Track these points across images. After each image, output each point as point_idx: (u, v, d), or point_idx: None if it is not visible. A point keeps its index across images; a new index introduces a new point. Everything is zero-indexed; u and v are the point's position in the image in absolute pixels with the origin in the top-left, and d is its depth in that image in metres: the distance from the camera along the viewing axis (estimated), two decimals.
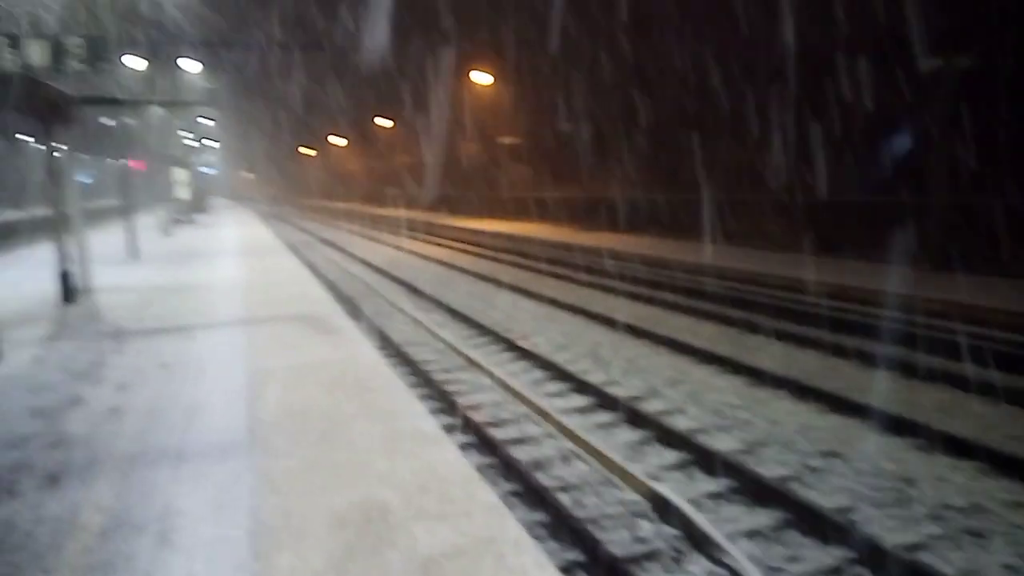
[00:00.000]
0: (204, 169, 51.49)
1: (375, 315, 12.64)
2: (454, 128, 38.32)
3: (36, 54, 9.79)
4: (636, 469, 5.60)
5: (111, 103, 11.14)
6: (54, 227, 9.77)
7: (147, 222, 25.12)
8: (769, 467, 5.94)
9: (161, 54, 31.79)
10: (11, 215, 25.60)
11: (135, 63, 29.54)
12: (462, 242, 26.63)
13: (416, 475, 3.80)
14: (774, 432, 6.70)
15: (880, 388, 7.60)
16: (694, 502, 5.15)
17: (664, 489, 5.20)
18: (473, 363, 9.26)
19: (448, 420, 7.17)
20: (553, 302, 13.23)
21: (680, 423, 7.05)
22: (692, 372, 8.76)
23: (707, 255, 15.30)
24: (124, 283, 11.62)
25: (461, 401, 7.69)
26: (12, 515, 3.52)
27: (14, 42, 9.74)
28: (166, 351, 6.89)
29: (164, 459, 4.18)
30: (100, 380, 5.90)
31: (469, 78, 32.68)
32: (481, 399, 7.86)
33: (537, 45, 26.73)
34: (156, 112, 38.64)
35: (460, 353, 9.77)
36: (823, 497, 5.31)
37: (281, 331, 7.71)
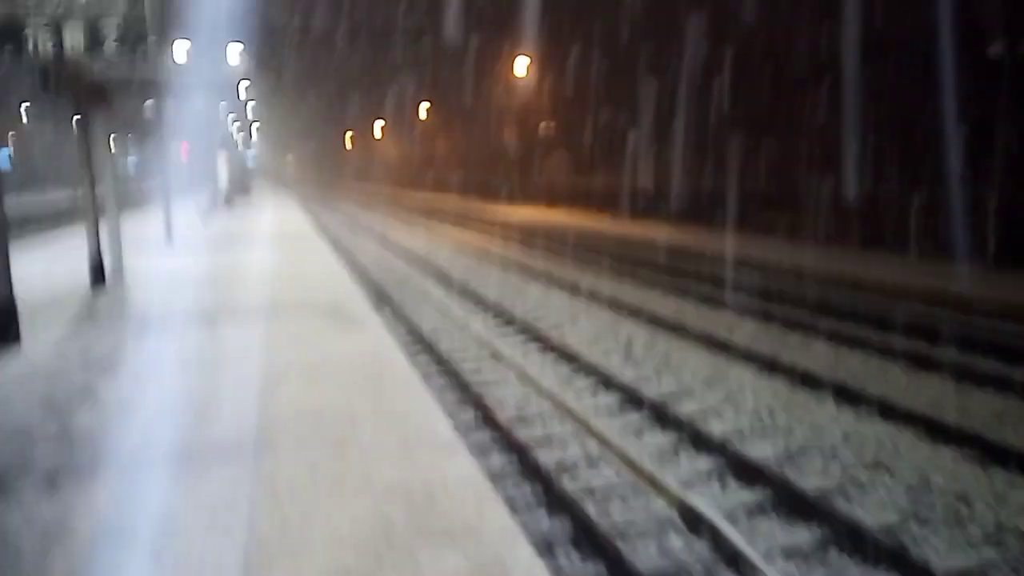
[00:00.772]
0: (247, 154, 51.96)
1: (403, 303, 12.47)
2: (492, 114, 38.00)
3: (73, 38, 9.76)
4: None
5: (143, 86, 11.08)
6: (85, 212, 9.75)
7: (190, 205, 25.37)
8: None
9: (205, 39, 32.02)
10: (61, 196, 26.04)
11: (179, 48, 29.80)
12: (500, 227, 26.37)
13: (426, 486, 3.56)
14: None
15: None
16: None
17: None
18: (499, 356, 9.03)
19: (467, 417, 6.95)
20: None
21: None
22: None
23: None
24: (156, 268, 11.61)
25: (483, 396, 7.46)
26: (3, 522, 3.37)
27: (53, 27, 9.72)
28: (187, 340, 6.77)
29: (167, 460, 4.01)
30: (116, 370, 5.78)
31: (509, 64, 32.31)
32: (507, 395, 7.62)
33: (579, 29, 26.25)
34: (199, 97, 38.98)
35: (487, 345, 9.55)
36: None
37: (305, 322, 7.54)
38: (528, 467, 5.84)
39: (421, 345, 9.74)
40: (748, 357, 8.75)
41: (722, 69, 19.73)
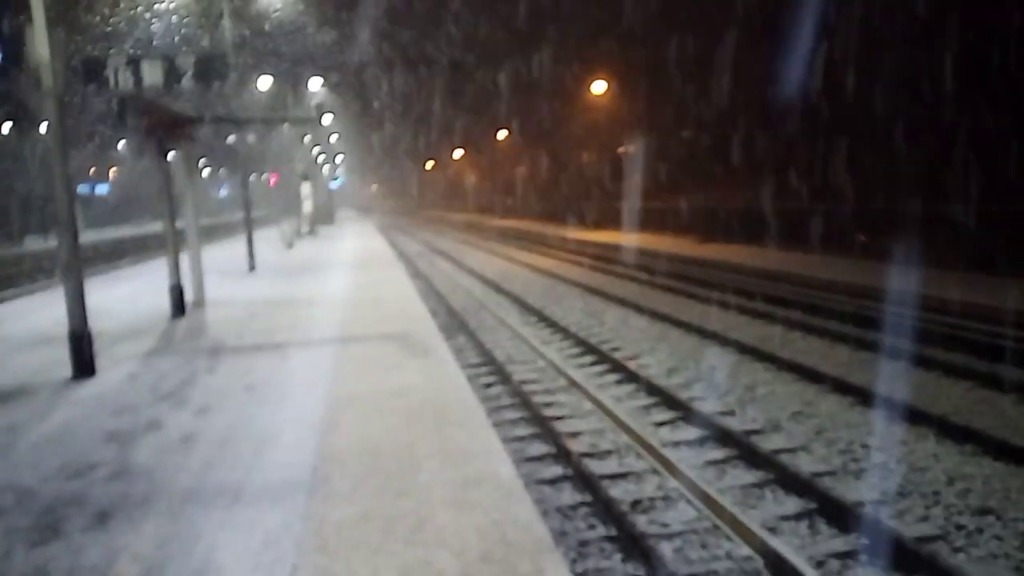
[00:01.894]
0: (331, 183, 53.50)
1: (478, 329, 12.28)
2: (570, 138, 37.87)
3: (152, 74, 10.06)
4: None
5: (219, 121, 11.39)
6: (167, 242, 10.00)
7: (275, 234, 26.09)
8: None
9: (288, 73, 33.22)
10: (156, 227, 27.24)
11: (264, 82, 30.98)
12: (579, 254, 26.03)
13: (481, 536, 3.27)
14: None
15: None
16: None
17: None
18: (573, 385, 8.68)
19: (534, 451, 6.65)
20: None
21: None
22: None
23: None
24: (235, 296, 11.81)
25: (554, 430, 7.13)
26: (48, 561, 3.26)
27: (133, 64, 10.05)
28: (256, 371, 6.72)
29: (220, 499, 3.86)
30: (183, 402, 5.74)
31: (587, 86, 32.16)
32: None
33: (657, 48, 25.87)
34: (284, 129, 40.49)
35: (562, 374, 9.22)
36: None
37: (374, 351, 7.41)
38: (598, 508, 5.49)
39: (494, 375, 9.50)
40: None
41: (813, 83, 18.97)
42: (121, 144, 47.97)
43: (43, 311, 10.45)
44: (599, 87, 31.26)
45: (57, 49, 6.48)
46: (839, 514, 5.23)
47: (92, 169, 50.47)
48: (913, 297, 11.33)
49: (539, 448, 6.90)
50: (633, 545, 4.96)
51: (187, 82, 9.31)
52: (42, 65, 6.39)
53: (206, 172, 72.89)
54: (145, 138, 8.97)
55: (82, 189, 47.66)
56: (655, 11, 25.50)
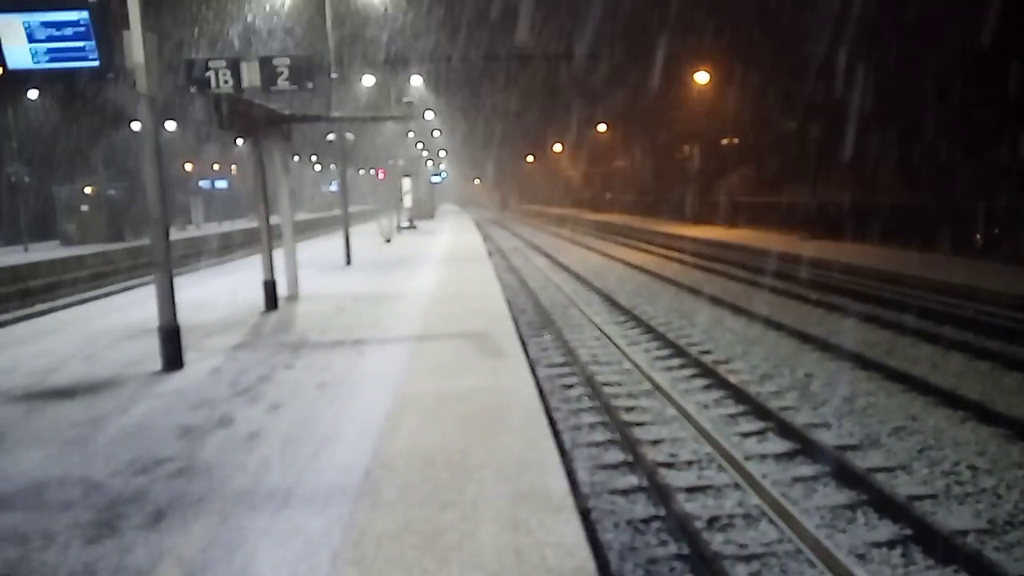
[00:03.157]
0: (433, 177, 54.37)
1: (564, 327, 12.08)
2: (671, 130, 36.93)
3: (250, 76, 10.37)
4: None
5: (314, 120, 11.64)
6: (261, 237, 10.29)
7: (375, 228, 26.69)
8: None
9: (389, 71, 33.91)
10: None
11: (367, 80, 31.71)
12: (677, 250, 25.34)
13: (520, 559, 3.09)
14: None
15: None
16: None
17: None
18: (657, 390, 8.36)
19: (609, 460, 6.41)
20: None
21: None
22: None
23: None
24: (326, 291, 12.06)
25: (632, 436, 6.85)
26: (97, 560, 3.31)
27: (233, 66, 10.40)
28: (332, 367, 6.77)
29: (270, 502, 3.85)
30: (258, 398, 5.83)
31: (688, 78, 31.23)
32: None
33: (760, 36, 24.79)
34: (389, 126, 41.39)
35: (647, 378, 8.91)
36: None
37: (448, 350, 7.34)
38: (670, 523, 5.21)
39: (577, 376, 9.29)
40: None
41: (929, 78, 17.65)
42: (240, 141, 50.41)
43: (150, 303, 10.98)
44: (702, 78, 30.28)
45: (152, 50, 6.66)
46: None
47: (216, 166, 53.37)
48: None
49: (615, 456, 6.67)
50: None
51: (286, 83, 9.59)
52: (137, 67, 6.60)
53: (317, 168, 75.76)
54: (243, 137, 9.23)
55: (204, 184, 50.45)
56: None
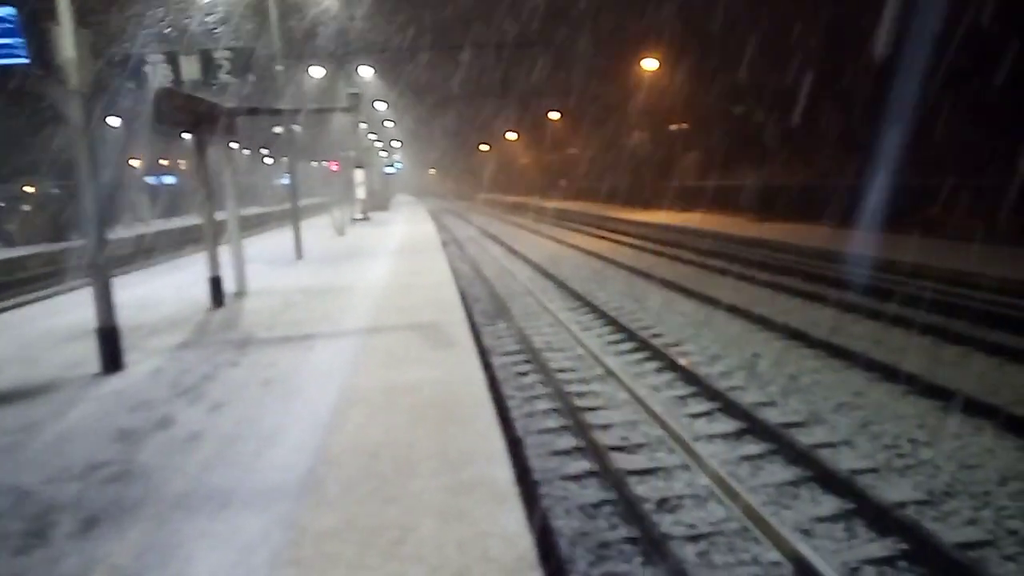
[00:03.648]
0: (387, 169, 53.86)
1: (520, 316, 12.08)
2: (622, 117, 37.13)
3: (189, 70, 10.12)
4: None
5: (257, 112, 11.39)
6: (205, 233, 10.06)
7: (328, 221, 26.32)
8: None
9: (339, 62, 33.40)
10: (217, 217, 27.80)
11: (316, 72, 31.17)
12: (628, 235, 25.52)
13: (461, 550, 3.07)
14: None
15: None
16: None
17: None
18: (609, 374, 8.41)
19: (562, 446, 6.43)
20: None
21: None
22: None
23: None
24: (275, 286, 11.85)
25: (583, 420, 6.88)
26: (23, 573, 3.20)
27: (171, 60, 10.13)
28: (278, 364, 6.65)
29: (209, 504, 3.76)
30: (200, 398, 5.70)
31: (637, 65, 31.41)
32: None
33: (706, 22, 25.01)
34: (340, 118, 40.81)
35: (599, 363, 8.95)
36: None
37: (398, 342, 7.27)
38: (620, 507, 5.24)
39: (531, 363, 9.30)
40: None
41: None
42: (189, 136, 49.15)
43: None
44: (650, 64, 30.48)
45: (83, 45, 6.42)
46: None
47: (164, 161, 51.94)
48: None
49: (567, 442, 6.69)
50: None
51: (227, 76, 9.38)
52: (67, 62, 6.36)
53: (269, 161, 74.36)
54: (183, 132, 8.99)
55: (150, 180, 49.09)
56: None
